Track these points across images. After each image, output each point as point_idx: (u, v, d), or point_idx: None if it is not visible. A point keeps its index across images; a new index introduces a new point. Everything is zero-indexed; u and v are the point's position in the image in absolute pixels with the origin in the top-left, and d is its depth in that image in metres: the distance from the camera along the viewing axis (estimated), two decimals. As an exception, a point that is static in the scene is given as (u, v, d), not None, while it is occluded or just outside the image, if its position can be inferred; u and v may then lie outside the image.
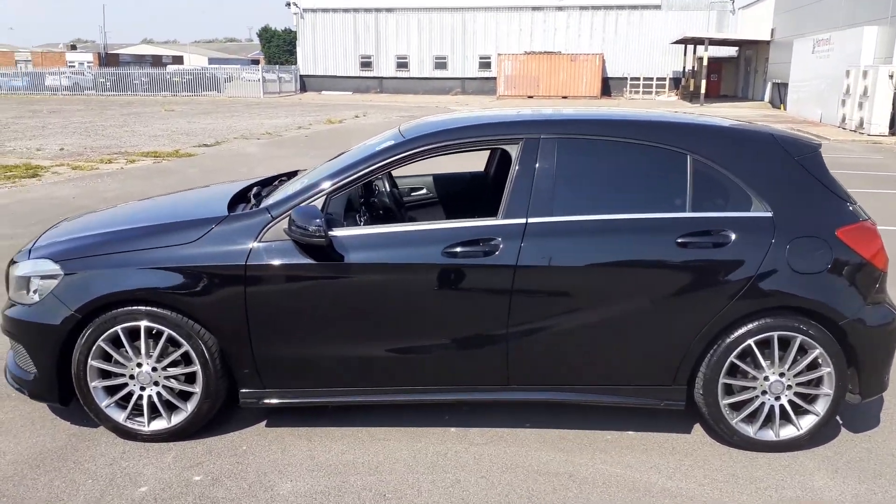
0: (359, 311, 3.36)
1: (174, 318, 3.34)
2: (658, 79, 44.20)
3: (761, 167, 3.46)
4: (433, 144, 3.53)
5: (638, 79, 44.32)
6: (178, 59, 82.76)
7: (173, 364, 3.42)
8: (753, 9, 39.90)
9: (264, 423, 3.68)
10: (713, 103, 34.66)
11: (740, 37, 39.08)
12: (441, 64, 47.53)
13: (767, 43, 35.86)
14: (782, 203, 3.40)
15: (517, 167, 3.44)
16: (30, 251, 3.63)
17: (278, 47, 75.11)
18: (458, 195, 5.14)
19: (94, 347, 3.36)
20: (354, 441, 3.52)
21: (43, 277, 3.44)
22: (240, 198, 4.01)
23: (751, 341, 3.37)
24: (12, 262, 3.66)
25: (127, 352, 3.40)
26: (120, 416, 3.46)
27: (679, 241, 3.33)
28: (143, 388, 3.44)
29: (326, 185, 3.46)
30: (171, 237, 3.42)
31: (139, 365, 3.41)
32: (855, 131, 20.99)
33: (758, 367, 3.41)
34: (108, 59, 67.48)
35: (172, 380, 3.44)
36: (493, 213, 3.43)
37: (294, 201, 3.42)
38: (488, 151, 5.00)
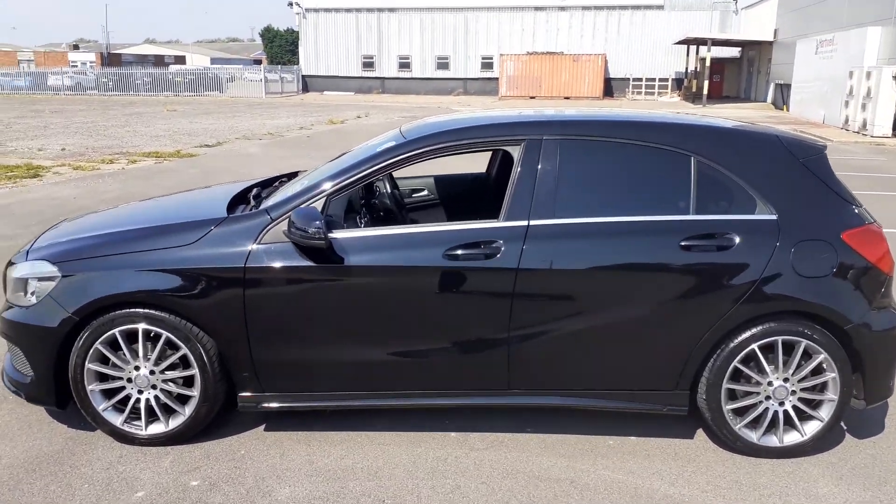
0: (358, 314, 3.33)
1: (172, 321, 3.31)
2: (660, 79, 44.11)
3: (766, 169, 3.42)
4: (435, 145, 3.49)
5: (640, 79, 44.24)
6: (180, 59, 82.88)
7: (171, 367, 3.39)
8: (756, 9, 39.83)
9: (263, 426, 3.65)
10: (716, 104, 34.60)
11: (743, 37, 39.01)
12: (443, 64, 47.49)
13: (770, 43, 35.79)
14: (787, 206, 3.36)
15: (519, 168, 3.40)
16: (27, 252, 3.60)
17: (281, 47, 75.15)
18: (459, 197, 5.11)
19: (91, 350, 3.33)
20: (354, 445, 3.49)
21: (40, 279, 3.41)
22: (239, 199, 3.98)
23: (755, 346, 3.33)
24: (10, 264, 3.64)
25: (124, 355, 3.37)
26: (117, 420, 3.43)
27: (682, 244, 3.29)
28: (140, 392, 3.41)
29: (326, 187, 3.43)
30: (169, 239, 3.38)
31: (137, 368, 3.38)
32: (858, 133, 20.91)
33: (762, 371, 3.37)
34: (110, 59, 67.58)
35: (170, 383, 3.41)
36: (494, 214, 3.40)
37: (294, 203, 3.39)
38: (490, 153, 4.97)
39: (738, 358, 3.34)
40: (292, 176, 4.45)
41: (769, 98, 35.54)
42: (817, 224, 3.37)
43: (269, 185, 4.31)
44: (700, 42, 36.84)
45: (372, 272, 3.31)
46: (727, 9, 43.49)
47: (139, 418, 3.43)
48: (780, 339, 3.32)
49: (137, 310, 3.31)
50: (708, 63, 35.22)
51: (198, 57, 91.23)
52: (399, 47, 47.90)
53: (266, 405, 3.46)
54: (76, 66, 61.12)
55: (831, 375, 3.35)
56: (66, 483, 3.14)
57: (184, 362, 3.37)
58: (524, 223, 3.31)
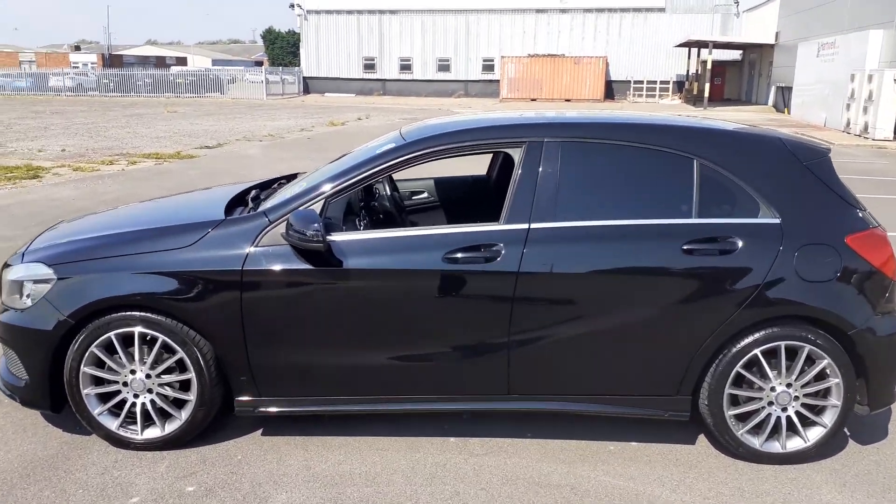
0: (357, 317, 3.29)
1: (169, 324, 3.28)
2: (661, 82, 44.10)
3: (769, 172, 3.39)
4: (435, 147, 3.46)
5: (641, 82, 44.23)
6: (181, 61, 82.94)
7: (168, 371, 3.36)
8: (758, 12, 39.82)
9: (260, 431, 3.61)
10: (717, 107, 34.58)
11: (744, 40, 38.99)
12: (444, 66, 47.48)
13: (772, 46, 35.77)
14: (791, 209, 3.33)
15: (520, 171, 3.37)
16: (23, 255, 3.57)
17: (282, 49, 75.19)
18: (459, 199, 5.08)
19: (86, 354, 3.29)
20: (351, 451, 3.45)
21: (36, 282, 3.37)
22: (238, 201, 3.94)
23: (757, 351, 3.29)
24: (6, 266, 3.60)
25: (120, 358, 3.33)
26: (113, 424, 3.39)
27: (685, 247, 3.26)
28: (136, 396, 3.38)
29: (325, 189, 3.40)
30: (166, 241, 3.35)
31: (133, 372, 3.35)
32: (859, 136, 20.88)
33: (764, 377, 3.34)
34: (111, 61, 67.63)
35: (167, 387, 3.37)
36: (495, 217, 3.36)
37: (292, 205, 3.36)
38: (491, 155, 4.94)
39: (741, 363, 3.31)
40: (291, 178, 4.41)
41: (770, 101, 35.52)
42: (821, 228, 3.33)
43: (267, 186, 4.28)
44: (701, 45, 36.83)
45: (371, 275, 3.28)
46: (728, 11, 43.46)
47: (135, 422, 3.39)
48: (783, 343, 3.29)
49: (134, 313, 3.28)
50: (709, 66, 35.21)
51: (199, 58, 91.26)
52: (400, 49, 47.90)
53: (263, 409, 3.42)
54: (77, 67, 61.14)
55: (835, 381, 3.32)
56: (61, 488, 3.11)
57: (180, 366, 3.33)
58: (525, 226, 3.28)
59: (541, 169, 3.35)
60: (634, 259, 3.30)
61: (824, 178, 3.44)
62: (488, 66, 46.49)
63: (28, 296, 3.38)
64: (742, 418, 3.39)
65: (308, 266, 3.24)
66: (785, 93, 32.07)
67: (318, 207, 3.34)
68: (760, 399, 3.36)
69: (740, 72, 43.66)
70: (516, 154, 3.42)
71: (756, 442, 3.38)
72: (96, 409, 3.37)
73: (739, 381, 3.35)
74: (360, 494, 3.09)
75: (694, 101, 37.06)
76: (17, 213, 8.92)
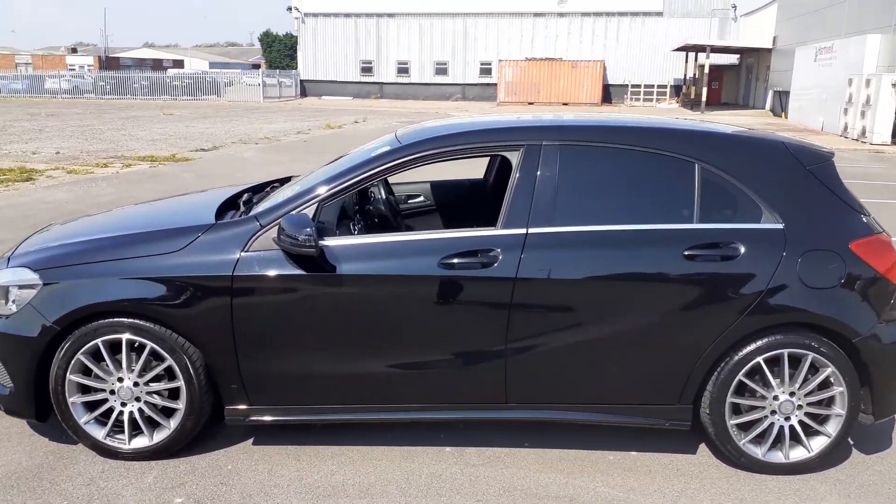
0: (351, 324, 3.22)
1: (157, 331, 3.19)
2: (659, 86, 44.13)
3: (772, 177, 3.32)
4: (431, 150, 3.39)
5: (639, 86, 44.25)
6: (178, 63, 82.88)
7: (156, 379, 3.27)
8: (755, 16, 39.88)
9: (251, 440, 3.52)
10: (714, 111, 34.57)
11: (742, 44, 39.03)
12: (442, 70, 47.47)
13: (769, 51, 35.81)
14: (794, 214, 3.26)
15: (517, 175, 3.30)
16: (8, 259, 3.49)
17: (279, 52, 75.15)
18: (456, 203, 5.00)
19: (73, 361, 3.21)
20: (345, 461, 3.36)
21: (21, 287, 3.29)
22: (229, 205, 3.86)
23: (760, 359, 3.22)
24: (-9, 271, 3.51)
25: (107, 366, 3.25)
26: (99, 434, 3.30)
27: (686, 253, 3.19)
28: (124, 404, 3.29)
29: (318, 193, 3.32)
30: (155, 246, 3.27)
31: (120, 380, 3.27)
32: (857, 140, 20.88)
33: (767, 385, 3.27)
34: (108, 63, 67.52)
35: (155, 395, 3.29)
36: (492, 222, 3.29)
37: (284, 209, 3.28)
38: (488, 158, 4.87)
39: (743, 371, 3.23)
40: (284, 181, 4.33)
41: (767, 105, 35.55)
42: (825, 233, 3.26)
43: (260, 190, 4.20)
44: (699, 49, 36.87)
45: (365, 281, 3.20)
46: (726, 16, 43.50)
47: (122, 432, 3.31)
48: (786, 351, 3.22)
49: (121, 319, 3.20)
50: (706, 70, 35.22)
51: (196, 61, 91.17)
52: (398, 52, 47.88)
53: (254, 418, 3.34)
54: (74, 69, 60.99)
55: (839, 389, 3.25)
56: (45, 500, 3.02)
57: (169, 374, 3.25)
58: (522, 231, 3.20)
59: (539, 173, 3.28)
60: (635, 265, 3.23)
61: (828, 182, 3.37)
62: (486, 70, 46.49)
63: (13, 301, 3.29)
64: (744, 428, 3.32)
65: (300, 272, 3.16)
66: (782, 97, 32.09)
67: (310, 211, 3.27)
68: (763, 408, 3.29)
69: (738, 76, 43.71)
70: (514, 157, 3.35)
71: (759, 452, 3.31)
72: (83, 418, 3.29)
73: (742, 390, 3.28)
74: (353, 506, 3.01)
75: (691, 105, 37.07)
76: (8, 216, 8.83)
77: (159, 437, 3.31)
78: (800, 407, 3.28)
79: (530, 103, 42.40)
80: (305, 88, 48.77)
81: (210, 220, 3.43)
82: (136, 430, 3.32)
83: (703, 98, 34.80)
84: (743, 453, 3.31)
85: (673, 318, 3.20)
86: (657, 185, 3.37)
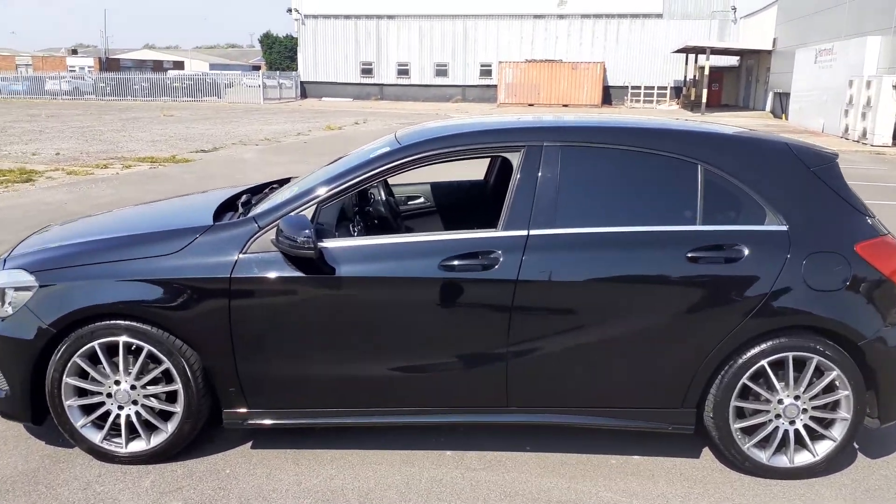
0: (349, 327, 3.18)
1: (155, 334, 3.16)
2: (659, 88, 44.10)
3: (776, 178, 3.29)
4: (431, 151, 3.35)
5: (639, 87, 44.22)
6: (179, 65, 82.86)
7: (153, 382, 3.24)
8: (755, 18, 39.87)
9: (249, 444, 3.49)
10: (714, 112, 34.56)
11: (742, 46, 39.02)
12: (442, 71, 47.46)
13: (769, 52, 35.79)
14: (798, 216, 3.22)
15: (519, 176, 3.26)
16: (4, 261, 3.45)
17: (280, 53, 75.17)
18: (456, 204, 4.97)
19: (69, 364, 3.17)
20: (344, 465, 3.33)
21: (17, 289, 3.25)
22: (228, 206, 3.83)
23: (764, 362, 3.19)
24: (-13, 272, 3.48)
25: (104, 369, 3.21)
26: (96, 437, 3.27)
27: (689, 255, 3.15)
28: (120, 408, 3.26)
29: (317, 194, 3.29)
30: (152, 247, 3.23)
31: (117, 382, 3.23)
32: (858, 142, 20.85)
33: (771, 389, 3.23)
34: (109, 64, 67.53)
35: (152, 398, 3.25)
36: (492, 224, 3.25)
37: (282, 210, 3.25)
38: (488, 159, 4.83)
39: (747, 375, 3.20)
40: (283, 182, 4.30)
41: (768, 107, 35.53)
42: (830, 235, 3.23)
43: (259, 191, 4.17)
44: (699, 50, 36.86)
45: (364, 283, 3.16)
46: (726, 17, 43.49)
47: (119, 435, 3.27)
48: (790, 354, 3.18)
49: (118, 322, 3.16)
50: (706, 72, 35.20)
51: (197, 62, 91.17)
52: (398, 54, 47.87)
53: (252, 422, 3.30)
54: (74, 70, 61.02)
55: (844, 393, 3.21)
56: (41, 504, 2.98)
57: (166, 377, 3.22)
58: (524, 233, 3.17)
59: (540, 174, 3.25)
60: (637, 267, 3.20)
61: (832, 184, 3.34)
62: (486, 72, 46.48)
63: (9, 303, 3.26)
64: (748, 432, 3.28)
65: (299, 273, 3.12)
66: (782, 99, 32.07)
67: (309, 213, 3.23)
68: (767, 412, 3.25)
69: (738, 78, 43.69)
70: (515, 158, 3.32)
71: (763, 456, 3.27)
72: (79, 422, 3.25)
73: (746, 394, 3.24)
74: (353, 511, 2.98)
75: (691, 107, 37.05)
76: (7, 217, 8.79)
77: (156, 440, 3.28)
78: (805, 411, 3.25)
79: (530, 105, 42.38)
80: (305, 90, 48.75)
81: (208, 221, 3.39)
82: (133, 433, 3.28)
83: (704, 100, 34.78)
84: (747, 458, 3.27)
85: (676, 320, 3.16)
86: (660, 186, 3.34)
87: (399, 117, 29.97)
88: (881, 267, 3.21)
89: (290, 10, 49.59)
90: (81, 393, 3.25)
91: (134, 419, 3.26)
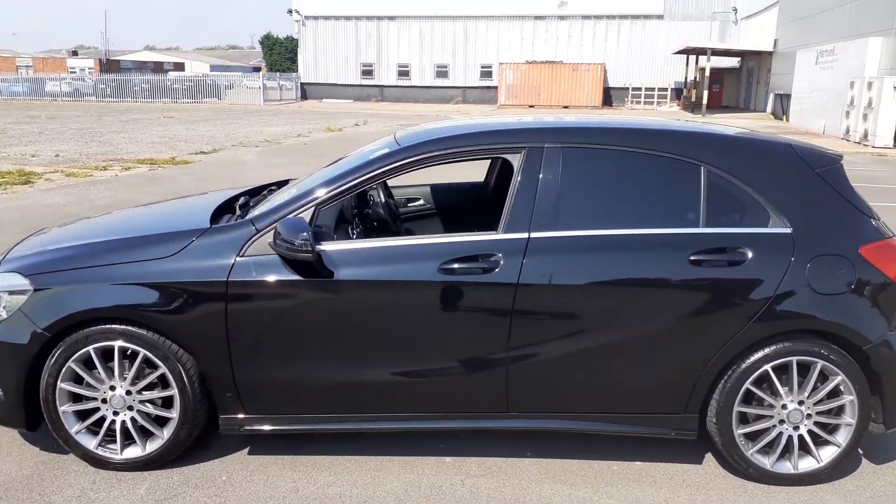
0: (348, 331, 3.14)
1: (150, 338, 3.12)
2: (660, 89, 44.06)
3: (780, 180, 3.24)
4: (431, 153, 3.31)
5: (639, 89, 44.18)
6: (179, 66, 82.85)
7: (149, 387, 3.20)
8: (756, 19, 39.81)
9: (247, 450, 3.44)
10: (715, 114, 34.49)
11: (743, 47, 38.95)
12: (442, 72, 47.43)
13: (770, 54, 35.73)
14: (802, 218, 3.18)
15: (519, 178, 3.22)
16: (0, 263, 3.41)
17: (280, 55, 75.11)
18: (456, 207, 4.93)
19: (64, 369, 3.13)
20: (342, 471, 3.28)
21: (11, 293, 3.21)
22: (225, 208, 3.79)
23: (768, 367, 3.14)
24: (-19, 276, 3.43)
25: (99, 374, 3.17)
26: (91, 443, 3.22)
27: (692, 258, 3.11)
28: (116, 413, 3.22)
29: (315, 196, 3.25)
30: (148, 251, 3.19)
31: (112, 388, 3.19)
32: (859, 143, 20.81)
33: (775, 394, 3.19)
34: (109, 66, 67.51)
35: (148, 404, 3.21)
36: (493, 226, 3.21)
37: (280, 213, 3.21)
38: (489, 161, 4.79)
39: (751, 379, 3.16)
40: (282, 184, 4.26)
41: (769, 108, 35.47)
42: (834, 238, 3.19)
43: (256, 193, 4.13)
44: (699, 52, 36.79)
45: (363, 287, 3.12)
46: (727, 19, 43.44)
47: (114, 441, 3.23)
48: (794, 359, 3.14)
49: (114, 326, 3.12)
50: (707, 73, 35.15)
51: (197, 64, 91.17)
52: (398, 55, 47.85)
53: (249, 428, 3.26)
54: (75, 72, 61.04)
55: (849, 398, 3.17)
56: (34, 512, 2.94)
57: (162, 382, 3.18)
58: (524, 235, 3.13)
59: (541, 176, 3.21)
60: (639, 270, 3.15)
61: (837, 186, 3.30)
62: (486, 73, 46.44)
63: (3, 307, 3.21)
64: (752, 437, 3.24)
65: (297, 277, 3.08)
66: (783, 100, 32.03)
67: (307, 215, 3.19)
68: (771, 417, 3.21)
69: (738, 79, 43.63)
70: (515, 160, 3.28)
71: (767, 462, 3.23)
72: (74, 427, 3.21)
73: (749, 399, 3.20)
74: (351, 519, 2.93)
75: (692, 108, 36.99)
76: (4, 219, 8.76)
77: (152, 446, 3.23)
78: (809, 416, 3.20)
79: (531, 106, 42.34)
80: (306, 91, 48.73)
81: (205, 224, 3.35)
82: (128, 439, 3.24)
83: (704, 101, 34.72)
84: (751, 463, 3.23)
85: (678, 324, 3.12)
86: (662, 188, 3.30)
87: (399, 119, 29.94)
88: (886, 270, 3.17)
89: (290, 12, 49.57)
90: (76, 398, 3.21)
91: (129, 425, 3.22)
